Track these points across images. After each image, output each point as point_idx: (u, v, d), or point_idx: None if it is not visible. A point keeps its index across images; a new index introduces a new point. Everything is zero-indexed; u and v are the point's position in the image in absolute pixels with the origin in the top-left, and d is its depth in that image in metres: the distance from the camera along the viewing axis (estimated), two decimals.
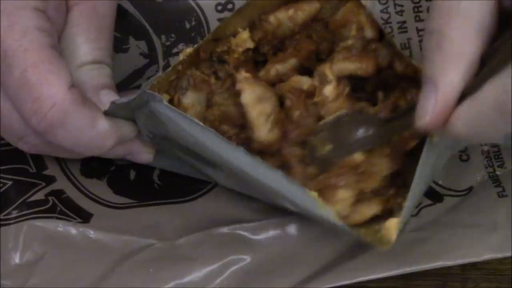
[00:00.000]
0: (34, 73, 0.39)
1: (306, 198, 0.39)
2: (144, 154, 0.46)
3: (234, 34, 0.46)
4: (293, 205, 0.41)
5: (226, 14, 0.51)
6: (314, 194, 0.39)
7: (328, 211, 0.39)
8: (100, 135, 0.41)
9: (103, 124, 0.41)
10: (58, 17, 0.42)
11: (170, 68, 0.43)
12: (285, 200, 0.40)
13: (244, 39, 0.45)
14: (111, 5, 0.45)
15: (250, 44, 0.45)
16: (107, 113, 0.41)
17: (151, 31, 0.51)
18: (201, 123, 0.39)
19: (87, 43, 0.43)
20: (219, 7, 0.51)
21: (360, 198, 0.42)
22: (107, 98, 0.42)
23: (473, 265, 0.47)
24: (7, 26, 0.39)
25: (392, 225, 0.40)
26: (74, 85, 0.40)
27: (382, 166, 0.42)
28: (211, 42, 0.45)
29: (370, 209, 0.42)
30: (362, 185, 0.42)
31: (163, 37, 0.51)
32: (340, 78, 0.44)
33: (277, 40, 0.46)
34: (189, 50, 0.44)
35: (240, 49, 0.45)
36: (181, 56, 0.44)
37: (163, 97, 0.41)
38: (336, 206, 0.41)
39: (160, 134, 0.42)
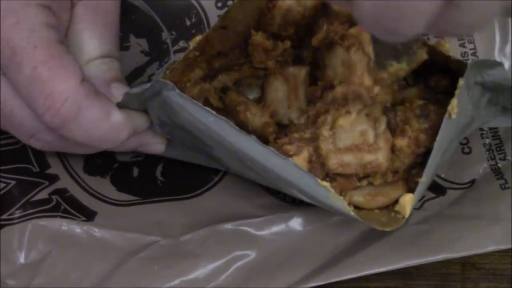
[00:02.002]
0: (45, 69, 0.39)
1: (318, 188, 0.39)
2: (156, 145, 0.45)
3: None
4: (302, 194, 0.41)
5: None
6: (326, 184, 0.39)
7: (340, 201, 0.39)
8: (114, 127, 0.41)
9: (117, 116, 0.41)
10: (63, 13, 0.42)
11: (181, 58, 0.43)
12: (295, 189, 0.40)
13: (259, 40, 0.45)
14: (115, 0, 0.45)
15: (269, 45, 0.45)
16: (119, 105, 0.41)
17: (163, 27, 0.50)
18: (213, 112, 0.39)
19: (94, 38, 0.43)
20: (219, 4, 0.51)
21: (386, 181, 0.42)
22: (118, 91, 0.42)
23: (473, 265, 0.47)
24: (14, 24, 0.39)
25: (407, 201, 0.40)
26: (85, 79, 0.40)
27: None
28: (219, 30, 0.45)
29: (396, 191, 0.42)
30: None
31: (163, 34, 0.51)
32: None
33: (289, 25, 0.45)
34: (198, 38, 0.43)
35: (261, 49, 0.45)
36: (191, 44, 0.43)
37: None
38: (359, 190, 0.41)
39: (173, 124, 0.42)
